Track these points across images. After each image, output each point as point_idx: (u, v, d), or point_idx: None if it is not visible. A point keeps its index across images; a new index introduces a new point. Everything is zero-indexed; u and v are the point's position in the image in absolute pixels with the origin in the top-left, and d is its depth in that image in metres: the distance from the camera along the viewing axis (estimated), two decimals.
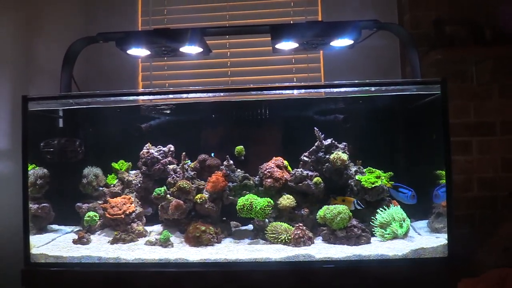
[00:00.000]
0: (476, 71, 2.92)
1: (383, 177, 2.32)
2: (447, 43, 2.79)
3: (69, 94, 2.48)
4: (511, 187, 2.87)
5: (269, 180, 2.36)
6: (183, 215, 2.37)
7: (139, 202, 2.56)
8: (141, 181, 2.63)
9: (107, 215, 2.41)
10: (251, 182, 2.43)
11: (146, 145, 2.64)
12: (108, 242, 2.31)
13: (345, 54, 2.75)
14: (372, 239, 2.19)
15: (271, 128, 2.75)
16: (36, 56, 3.12)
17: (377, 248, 2.08)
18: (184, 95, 2.43)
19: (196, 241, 2.22)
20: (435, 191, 2.24)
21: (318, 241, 2.23)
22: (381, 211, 2.25)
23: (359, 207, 2.25)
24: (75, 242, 2.29)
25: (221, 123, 2.77)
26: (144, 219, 2.53)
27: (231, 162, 2.47)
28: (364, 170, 2.40)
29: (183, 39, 2.38)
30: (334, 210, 2.16)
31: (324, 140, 2.42)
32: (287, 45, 2.46)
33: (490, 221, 2.81)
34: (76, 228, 2.56)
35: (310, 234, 2.20)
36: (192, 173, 2.48)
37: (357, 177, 2.33)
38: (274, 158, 2.47)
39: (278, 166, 2.42)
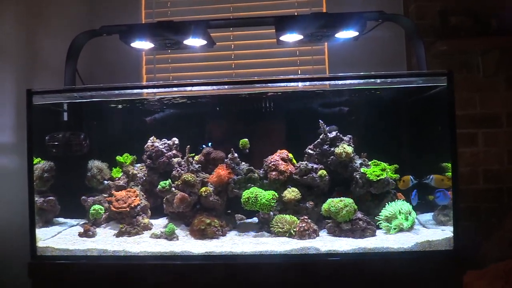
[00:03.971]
0: (482, 62, 2.89)
1: (388, 170, 2.32)
2: (453, 34, 2.76)
3: (73, 87, 2.48)
4: None
5: (274, 173, 2.35)
6: (188, 208, 2.37)
7: (144, 195, 2.57)
8: (146, 174, 2.63)
9: (112, 208, 2.42)
10: (256, 175, 2.42)
11: (151, 138, 2.65)
12: (114, 235, 2.32)
13: (350, 45, 2.73)
14: (377, 232, 2.18)
15: (275, 121, 2.74)
16: (39, 50, 3.11)
17: (382, 241, 2.07)
18: (188, 88, 2.42)
19: (201, 234, 2.23)
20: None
21: (323, 234, 2.23)
22: (387, 204, 2.25)
23: (415, 181, 2.31)
24: (81, 235, 2.30)
25: (225, 116, 2.77)
26: (149, 212, 2.54)
27: (236, 155, 2.46)
28: (369, 162, 2.39)
29: (186, 31, 2.37)
30: (339, 203, 2.16)
31: (329, 133, 2.41)
32: (291, 37, 2.44)
33: (496, 213, 2.80)
34: (82, 221, 2.57)
35: (315, 227, 2.20)
36: (197, 166, 2.49)
37: (362, 169, 2.32)
38: (279, 151, 2.46)
39: (283, 159, 2.41)
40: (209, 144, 2.64)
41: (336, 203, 2.17)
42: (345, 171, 2.38)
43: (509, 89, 2.89)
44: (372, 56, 3.00)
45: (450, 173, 2.04)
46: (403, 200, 2.31)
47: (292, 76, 2.89)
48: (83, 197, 2.55)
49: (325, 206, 2.22)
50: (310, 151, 2.44)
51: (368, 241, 2.07)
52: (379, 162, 2.38)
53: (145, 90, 2.69)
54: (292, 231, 2.18)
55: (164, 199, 2.42)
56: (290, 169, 2.38)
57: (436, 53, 2.80)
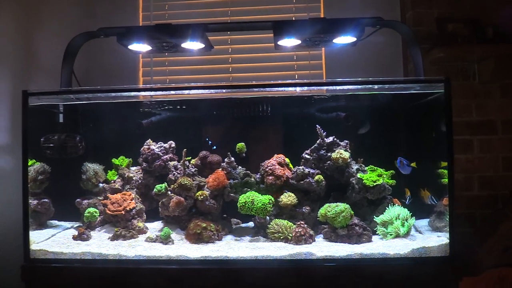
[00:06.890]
0: (478, 70, 2.91)
1: (384, 176, 2.32)
2: (450, 41, 2.78)
3: (70, 89, 2.47)
4: None
5: (270, 177, 2.35)
6: (184, 212, 2.36)
7: (140, 199, 2.55)
8: (141, 178, 2.62)
9: (107, 211, 2.40)
10: (252, 179, 2.42)
11: (147, 141, 2.63)
12: (108, 238, 2.30)
13: (347, 51, 2.74)
14: (374, 237, 2.18)
15: (272, 125, 2.74)
16: (36, 51, 3.09)
17: (378, 246, 2.07)
18: (185, 92, 2.41)
19: (196, 238, 2.22)
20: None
21: (319, 239, 2.22)
22: (385, 209, 2.25)
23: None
24: (75, 238, 2.28)
25: (222, 120, 2.76)
26: (145, 215, 2.52)
27: (233, 159, 2.46)
28: (366, 168, 2.39)
29: (184, 35, 2.37)
30: (336, 208, 2.16)
31: (326, 138, 2.41)
32: (289, 42, 2.45)
33: (490, 220, 2.81)
34: (76, 224, 2.55)
35: (311, 232, 2.19)
36: (193, 170, 2.47)
37: (358, 175, 2.32)
38: (276, 155, 2.46)
39: (279, 164, 2.41)
40: (214, 148, 2.64)
41: (332, 208, 2.17)
42: (342, 176, 2.38)
43: (504, 96, 2.91)
44: (369, 62, 3.01)
45: (446, 179, 2.05)
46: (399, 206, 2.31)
47: (289, 81, 2.89)
48: (77, 199, 2.53)
49: (321, 211, 2.21)
50: (306, 156, 2.44)
51: (364, 247, 2.07)
52: (375, 167, 2.38)
53: (141, 93, 2.68)
54: (288, 236, 2.17)
55: (160, 203, 2.41)
56: (286, 174, 2.37)
57: (433, 59, 2.82)
